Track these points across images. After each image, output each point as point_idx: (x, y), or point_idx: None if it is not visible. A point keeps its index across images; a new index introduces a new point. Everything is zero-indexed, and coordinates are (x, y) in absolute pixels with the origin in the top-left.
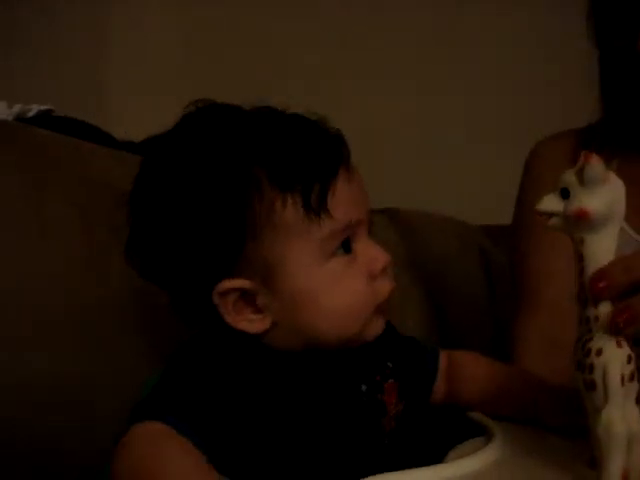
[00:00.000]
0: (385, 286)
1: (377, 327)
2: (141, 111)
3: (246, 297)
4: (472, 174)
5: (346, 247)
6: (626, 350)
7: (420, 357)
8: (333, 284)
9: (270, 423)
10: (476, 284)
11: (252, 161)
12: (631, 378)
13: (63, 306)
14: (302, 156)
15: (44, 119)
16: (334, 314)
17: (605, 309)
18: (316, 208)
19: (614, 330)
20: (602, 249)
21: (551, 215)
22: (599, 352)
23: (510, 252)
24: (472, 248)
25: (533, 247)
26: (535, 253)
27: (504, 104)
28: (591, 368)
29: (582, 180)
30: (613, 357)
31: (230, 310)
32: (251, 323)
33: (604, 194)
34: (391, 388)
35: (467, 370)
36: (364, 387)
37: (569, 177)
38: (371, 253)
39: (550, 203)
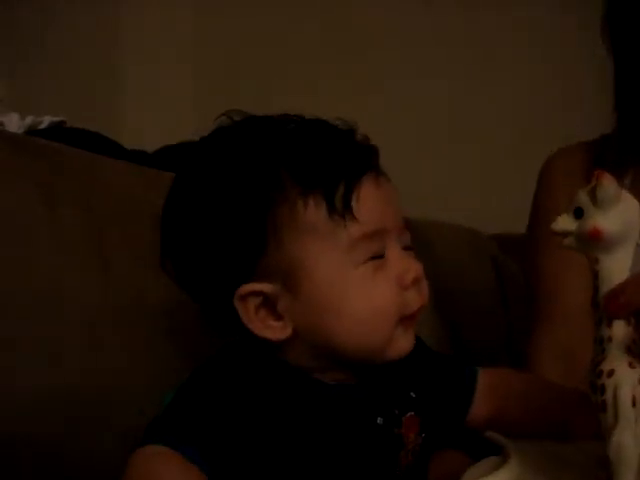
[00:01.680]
0: (415, 299)
1: (402, 345)
2: (154, 121)
3: (268, 304)
4: (483, 183)
5: (376, 257)
6: (638, 371)
7: (456, 378)
8: (358, 288)
9: (278, 450)
10: (488, 293)
11: (278, 165)
12: None
13: (73, 316)
14: (326, 158)
15: (56, 131)
16: (355, 319)
17: (619, 329)
18: (340, 209)
19: (635, 351)
20: (616, 268)
21: (565, 234)
22: (610, 373)
23: (524, 263)
24: (484, 257)
25: (547, 259)
26: (549, 265)
27: (518, 114)
28: (602, 389)
29: (595, 200)
30: (624, 378)
31: (252, 316)
32: (272, 330)
33: (618, 214)
34: (410, 422)
35: (510, 389)
36: (380, 420)
37: (582, 197)
38: (403, 265)
39: (564, 223)
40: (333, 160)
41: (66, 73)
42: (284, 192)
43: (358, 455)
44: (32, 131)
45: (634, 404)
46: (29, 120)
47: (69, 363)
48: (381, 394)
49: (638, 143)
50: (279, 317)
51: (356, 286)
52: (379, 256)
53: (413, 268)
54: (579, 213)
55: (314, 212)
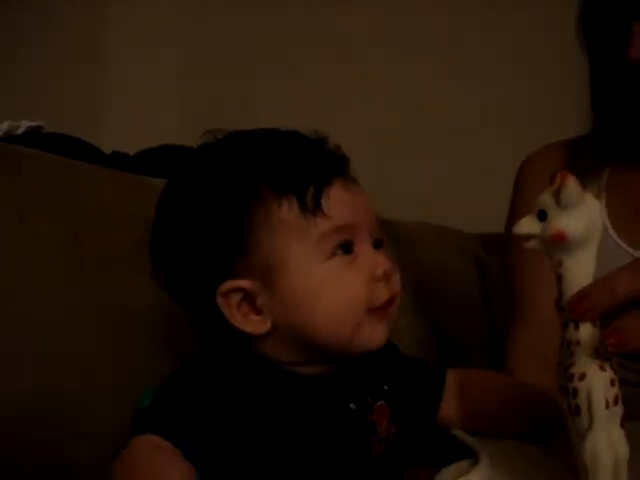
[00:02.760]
0: (383, 291)
1: (373, 336)
2: (138, 123)
3: (248, 299)
4: (467, 183)
5: (346, 249)
6: (609, 373)
7: (425, 378)
8: (330, 283)
9: (258, 438)
10: (472, 293)
11: (255, 173)
12: (615, 402)
13: (52, 323)
14: (298, 164)
15: (34, 136)
16: (328, 311)
17: (586, 332)
18: (311, 207)
19: (603, 353)
20: (581, 271)
21: (529, 237)
22: (582, 376)
23: (502, 264)
24: (468, 257)
25: (523, 260)
26: (525, 265)
27: (501, 112)
28: (575, 392)
29: (559, 202)
30: (596, 381)
31: (233, 311)
32: (252, 324)
33: (581, 215)
34: (382, 410)
35: (478, 388)
36: (353, 406)
37: (546, 199)
38: (373, 257)
39: (528, 225)
40: (304, 166)
41: (46, 75)
42: (260, 197)
43: (333, 439)
44: (9, 137)
45: (607, 407)
46: (5, 125)
47: (50, 367)
48: (354, 384)
49: (614, 142)
50: (259, 312)
51: (328, 278)
52: (348, 249)
53: (382, 263)
54: (543, 215)
55: (287, 211)
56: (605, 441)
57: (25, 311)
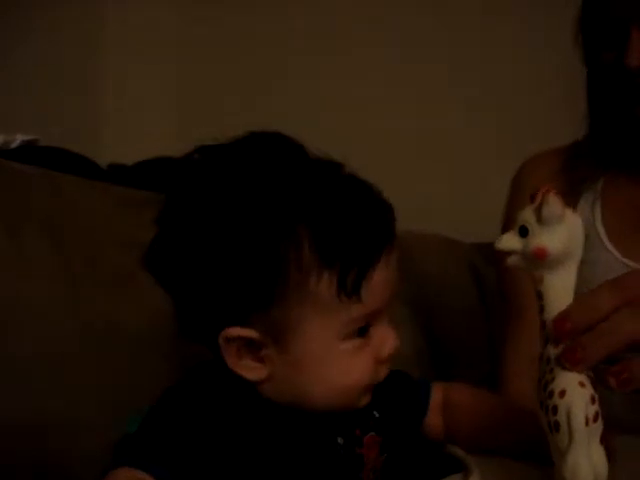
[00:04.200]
0: (385, 371)
1: (364, 402)
2: (136, 133)
3: (252, 346)
4: (464, 191)
5: (362, 331)
6: (589, 390)
7: (410, 391)
8: (340, 362)
9: (243, 471)
10: (469, 303)
11: (298, 218)
12: (595, 419)
13: (41, 338)
14: (350, 229)
15: (28, 150)
16: (332, 388)
17: None
18: (349, 292)
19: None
20: (562, 287)
21: (510, 253)
22: (562, 394)
23: (496, 270)
24: (464, 266)
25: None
26: (518, 271)
27: (499, 122)
28: (555, 409)
29: (540, 218)
30: (576, 398)
31: (233, 354)
32: (250, 370)
33: (562, 232)
34: (372, 442)
35: (463, 403)
36: (340, 440)
37: (527, 215)
38: (384, 338)
39: (509, 241)
40: (356, 233)
41: (42, 87)
42: (301, 256)
43: (320, 475)
44: (3, 150)
45: (587, 424)
46: (0, 139)
47: (36, 381)
48: (343, 416)
49: (610, 149)
50: (260, 360)
51: (339, 359)
52: (364, 332)
53: (391, 344)
54: (524, 232)
55: (325, 287)
56: (585, 458)
57: (11, 325)
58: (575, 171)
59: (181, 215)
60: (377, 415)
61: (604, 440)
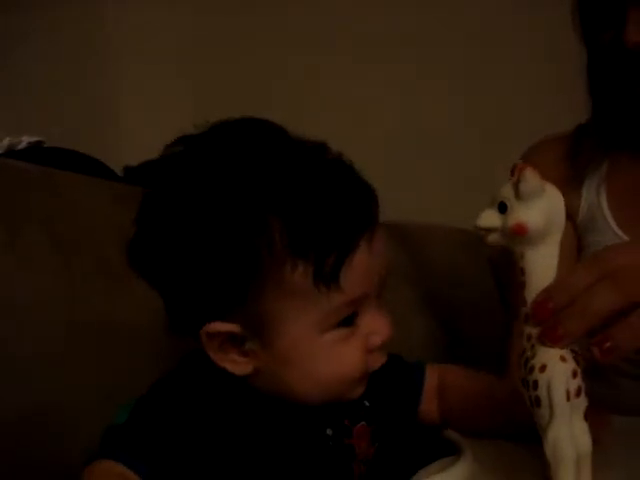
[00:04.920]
0: (378, 361)
1: (358, 392)
2: (137, 134)
3: (235, 340)
4: (474, 182)
5: (348, 320)
6: (571, 364)
7: (404, 376)
8: (327, 354)
9: (231, 466)
10: (485, 293)
11: (270, 208)
12: (577, 393)
13: (41, 338)
14: (323, 217)
15: (35, 151)
16: (320, 381)
17: None
18: (327, 279)
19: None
20: (543, 264)
21: (491, 230)
22: (542, 368)
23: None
24: (478, 257)
25: None
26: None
27: (506, 113)
28: (535, 384)
29: (518, 193)
30: (557, 372)
31: (216, 348)
32: (235, 364)
33: (542, 207)
34: (362, 432)
35: (458, 385)
36: (329, 431)
37: (506, 191)
38: (374, 327)
39: (489, 218)
40: (330, 221)
41: (42, 87)
42: (273, 247)
43: (310, 467)
44: (10, 152)
45: (568, 399)
46: (6, 141)
47: (36, 380)
48: (332, 406)
49: (613, 131)
50: (244, 354)
51: (324, 351)
52: (351, 322)
53: (383, 332)
54: (503, 208)
55: (300, 276)
56: (566, 433)
57: (11, 325)
58: (579, 155)
59: (156, 211)
60: (368, 404)
61: (589, 416)
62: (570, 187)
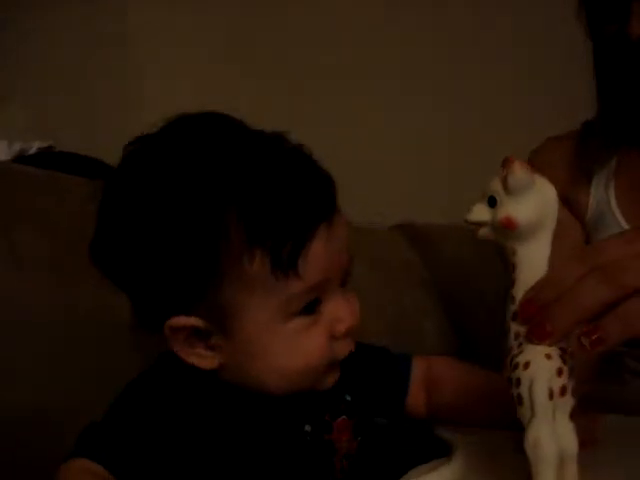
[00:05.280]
0: (344, 348)
1: (330, 381)
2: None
3: (199, 335)
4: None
5: (310, 308)
6: (556, 362)
7: (389, 368)
8: (290, 343)
9: (209, 465)
10: (496, 291)
11: (224, 200)
12: (562, 392)
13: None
14: (278, 206)
15: (45, 155)
16: (286, 371)
17: None
18: (284, 267)
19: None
20: (535, 259)
21: (481, 225)
22: (526, 365)
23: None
24: (490, 256)
25: None
26: None
27: (512, 112)
28: (518, 382)
29: (507, 187)
30: (540, 370)
31: (181, 343)
32: (201, 358)
33: (531, 201)
34: (342, 426)
35: (446, 377)
36: (308, 427)
37: (495, 185)
38: (338, 314)
39: (479, 213)
40: (285, 210)
41: (43, 87)
42: (229, 239)
43: (288, 463)
44: (21, 157)
45: (551, 397)
46: (17, 147)
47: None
48: (311, 401)
49: (621, 126)
50: (211, 348)
51: (286, 340)
52: (312, 310)
53: (347, 320)
54: (492, 202)
55: (257, 265)
56: (546, 432)
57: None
58: (587, 152)
59: (114, 209)
60: (349, 398)
61: (575, 416)
62: (579, 185)
